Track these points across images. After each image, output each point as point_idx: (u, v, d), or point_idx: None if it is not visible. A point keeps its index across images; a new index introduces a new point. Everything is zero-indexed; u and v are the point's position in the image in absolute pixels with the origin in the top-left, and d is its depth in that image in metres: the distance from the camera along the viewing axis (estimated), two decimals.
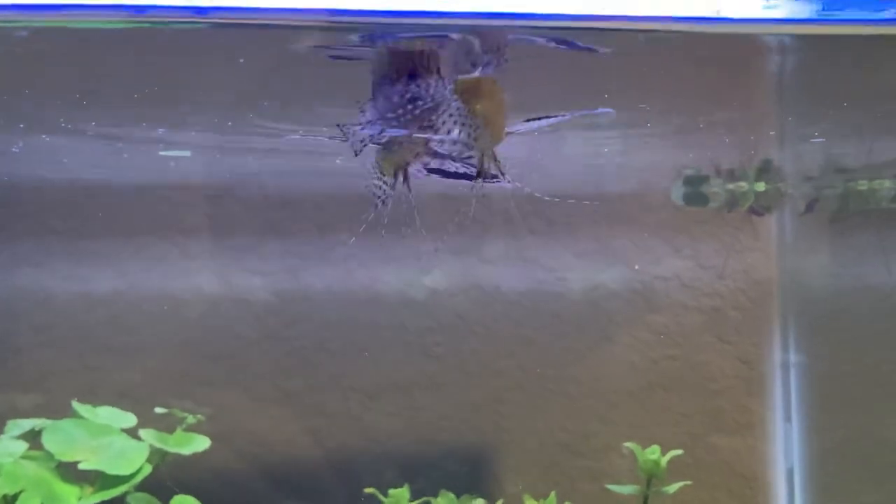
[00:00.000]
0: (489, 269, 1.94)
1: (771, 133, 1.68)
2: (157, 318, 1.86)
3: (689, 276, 1.93)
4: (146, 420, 1.60)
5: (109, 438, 1.50)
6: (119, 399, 1.69)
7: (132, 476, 1.45)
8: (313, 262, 1.91)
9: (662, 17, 1.00)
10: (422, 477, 1.87)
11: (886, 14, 1.00)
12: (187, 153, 1.79)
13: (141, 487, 1.51)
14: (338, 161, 1.75)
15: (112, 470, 1.44)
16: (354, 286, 1.92)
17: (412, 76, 1.16)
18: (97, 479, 1.45)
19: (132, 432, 1.55)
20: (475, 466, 1.93)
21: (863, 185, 1.70)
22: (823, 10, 0.96)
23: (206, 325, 1.88)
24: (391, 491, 1.59)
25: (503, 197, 1.92)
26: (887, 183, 1.66)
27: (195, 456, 1.58)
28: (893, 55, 1.16)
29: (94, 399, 1.64)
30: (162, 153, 1.78)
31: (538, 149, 1.65)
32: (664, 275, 1.93)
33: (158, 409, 1.58)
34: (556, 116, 1.18)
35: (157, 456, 1.51)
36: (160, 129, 1.66)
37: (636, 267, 1.91)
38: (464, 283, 1.94)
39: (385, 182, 1.23)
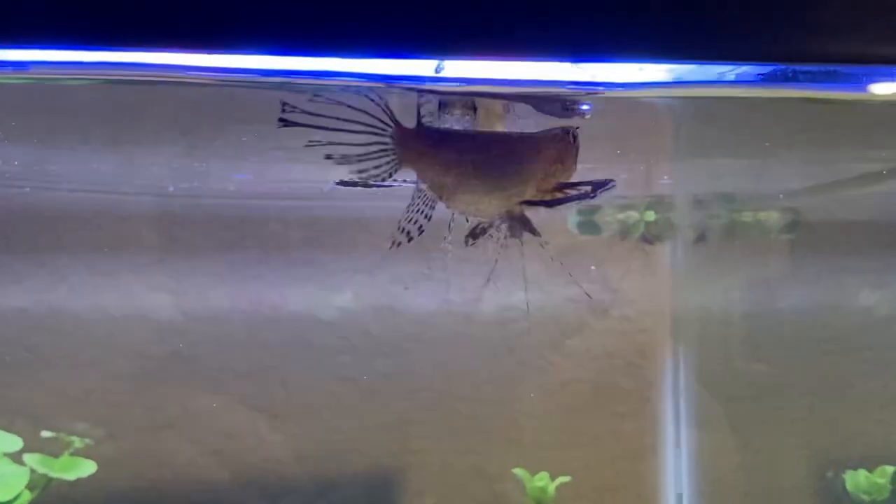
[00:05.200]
0: (400, 290, 1.93)
1: (663, 168, 1.70)
2: (61, 336, 1.83)
3: (597, 299, 1.94)
4: (42, 442, 1.58)
5: None
6: (18, 419, 1.66)
7: (10, 502, 1.43)
8: (222, 281, 1.89)
9: (534, 80, 0.99)
10: (323, 500, 1.86)
11: (731, 75, 0.98)
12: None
13: None
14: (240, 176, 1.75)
15: None
16: (263, 306, 1.90)
17: None
18: None
19: (17, 456, 1.53)
20: (381, 488, 1.92)
21: (748, 216, 1.73)
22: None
23: (111, 343, 1.85)
24: None
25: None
26: (775, 214, 1.69)
27: (91, 479, 1.57)
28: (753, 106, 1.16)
29: None
30: None
31: None
32: (574, 297, 1.94)
33: (45, 433, 1.56)
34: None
35: (40, 481, 1.49)
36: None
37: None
38: (374, 303, 1.93)
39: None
